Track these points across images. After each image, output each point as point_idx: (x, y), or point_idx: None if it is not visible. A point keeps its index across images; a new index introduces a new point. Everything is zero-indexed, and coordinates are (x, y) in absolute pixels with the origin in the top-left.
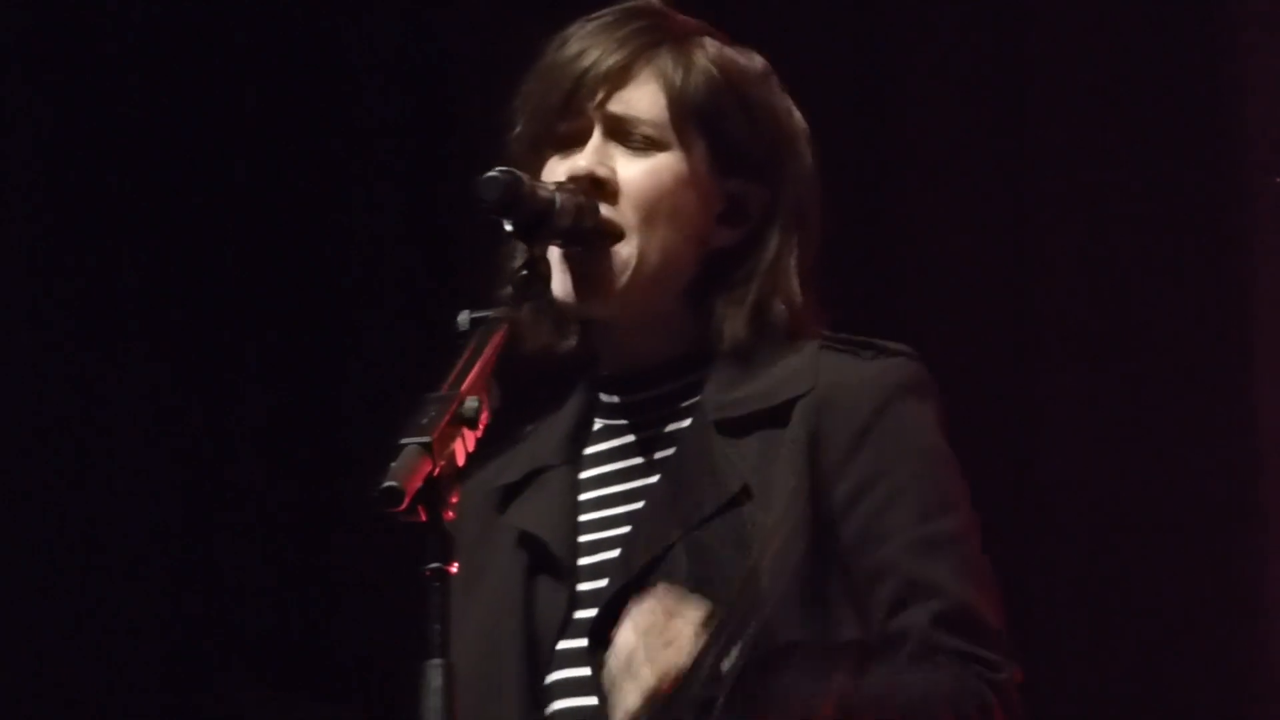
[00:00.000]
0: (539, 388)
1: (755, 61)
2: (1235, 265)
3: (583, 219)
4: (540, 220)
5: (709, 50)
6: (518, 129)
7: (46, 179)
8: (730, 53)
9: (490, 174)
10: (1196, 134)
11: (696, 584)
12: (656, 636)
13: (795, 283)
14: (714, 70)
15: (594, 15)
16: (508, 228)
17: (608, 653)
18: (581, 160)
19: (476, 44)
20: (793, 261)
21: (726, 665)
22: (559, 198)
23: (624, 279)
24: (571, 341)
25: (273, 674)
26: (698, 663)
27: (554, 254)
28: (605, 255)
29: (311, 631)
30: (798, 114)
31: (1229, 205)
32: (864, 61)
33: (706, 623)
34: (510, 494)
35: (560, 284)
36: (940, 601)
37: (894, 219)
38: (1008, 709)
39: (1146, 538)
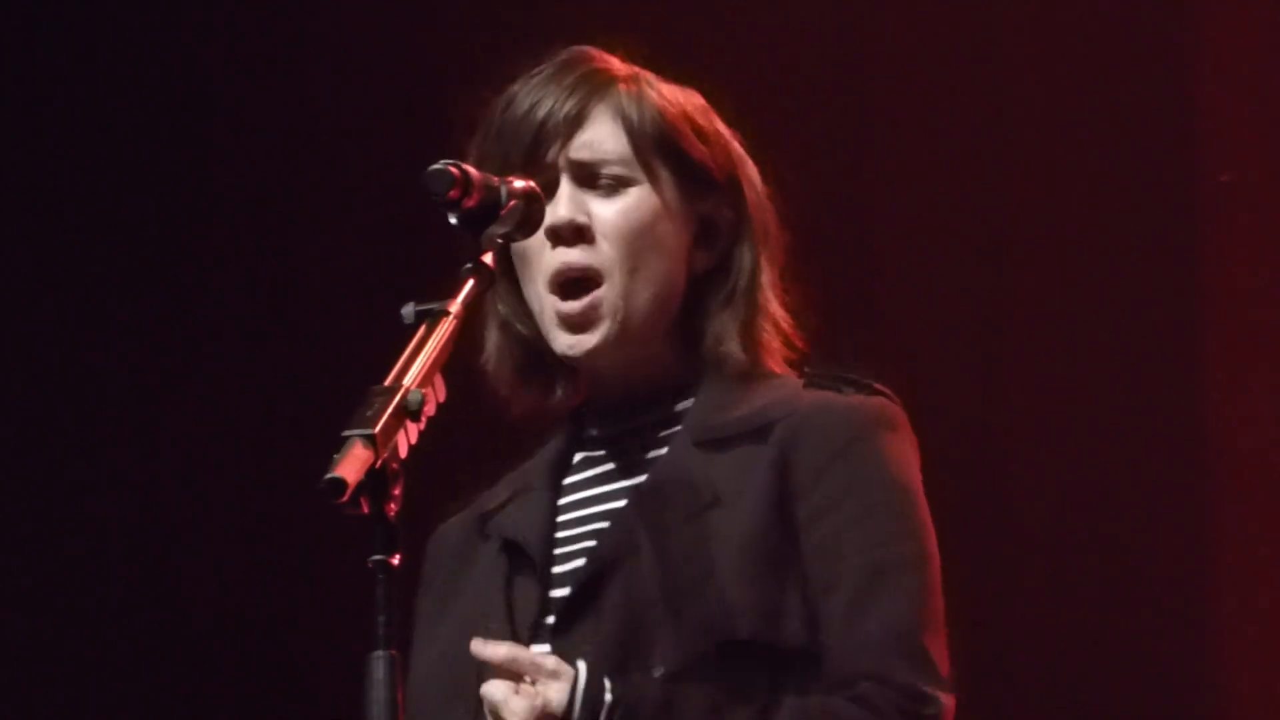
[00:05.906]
0: (522, 435)
1: (695, 95)
2: (1189, 273)
3: (530, 210)
4: (487, 213)
5: (654, 84)
6: None
7: (27, 170)
8: (672, 86)
9: (436, 166)
10: (1163, 144)
11: (659, 593)
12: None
13: (774, 297)
14: (665, 101)
15: (534, 71)
16: (453, 220)
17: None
18: (561, 209)
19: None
20: (767, 277)
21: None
22: (504, 190)
23: (617, 321)
24: (558, 393)
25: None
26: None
27: (546, 308)
28: (596, 304)
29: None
30: (737, 143)
31: (1190, 220)
32: (837, 66)
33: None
34: (493, 516)
35: (558, 339)
36: (881, 628)
37: (866, 229)
38: None
39: (1104, 540)
